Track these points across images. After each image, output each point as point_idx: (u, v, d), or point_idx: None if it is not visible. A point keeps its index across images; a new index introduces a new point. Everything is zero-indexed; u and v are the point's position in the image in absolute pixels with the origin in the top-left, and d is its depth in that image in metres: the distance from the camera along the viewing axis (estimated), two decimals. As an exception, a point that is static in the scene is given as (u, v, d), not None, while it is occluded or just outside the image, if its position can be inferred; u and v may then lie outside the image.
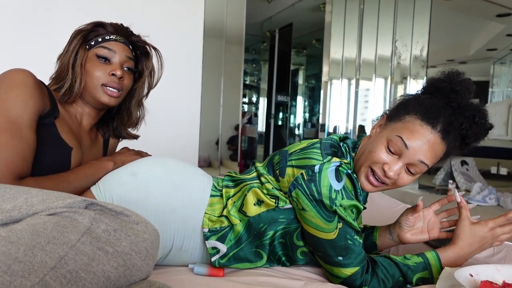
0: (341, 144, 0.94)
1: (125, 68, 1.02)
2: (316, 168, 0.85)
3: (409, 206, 1.47)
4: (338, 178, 0.85)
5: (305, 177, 0.85)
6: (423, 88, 0.94)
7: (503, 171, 3.51)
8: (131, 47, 1.05)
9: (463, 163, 3.40)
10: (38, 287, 0.48)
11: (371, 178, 0.89)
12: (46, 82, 1.00)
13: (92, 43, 0.99)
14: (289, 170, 0.89)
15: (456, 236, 0.92)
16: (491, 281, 0.74)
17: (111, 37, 1.00)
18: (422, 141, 0.84)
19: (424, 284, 0.89)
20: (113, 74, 0.98)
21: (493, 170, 3.57)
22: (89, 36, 1.00)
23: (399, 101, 0.94)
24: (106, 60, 0.99)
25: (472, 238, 0.91)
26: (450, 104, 0.87)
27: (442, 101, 0.87)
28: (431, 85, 0.92)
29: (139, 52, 1.10)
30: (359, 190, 0.90)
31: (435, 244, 1.19)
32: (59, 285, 0.50)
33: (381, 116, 0.98)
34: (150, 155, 1.10)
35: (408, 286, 0.89)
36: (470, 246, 0.91)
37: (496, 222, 0.91)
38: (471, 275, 0.77)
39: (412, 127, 0.85)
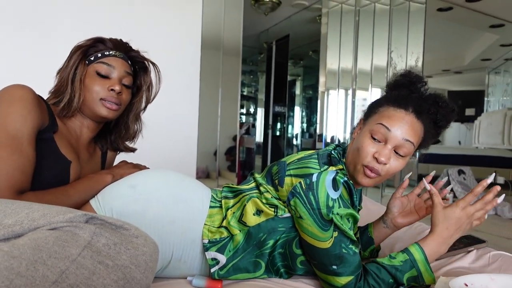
0: (333, 152, 0.98)
1: (124, 83, 1.04)
2: (314, 177, 0.87)
3: None
4: (335, 187, 0.87)
5: (303, 186, 0.87)
6: (386, 90, 1.03)
7: (500, 179, 3.52)
8: (130, 62, 1.07)
9: (460, 172, 3.41)
10: None
11: (368, 172, 0.92)
12: (45, 96, 1.01)
13: (92, 58, 1.00)
14: (287, 180, 0.91)
15: (432, 224, 0.93)
16: (486, 290, 0.75)
17: (110, 52, 1.02)
18: (402, 122, 0.91)
19: (415, 281, 0.89)
20: (112, 90, 1.00)
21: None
22: (88, 51, 1.01)
23: (370, 104, 1.02)
24: (105, 75, 1.00)
25: (447, 221, 0.91)
26: (412, 94, 0.95)
27: (405, 91, 0.96)
28: (392, 84, 1.01)
29: (138, 67, 1.11)
30: (355, 197, 0.92)
31: None
32: None
33: (357, 123, 1.05)
34: (148, 168, 1.11)
35: (401, 287, 0.90)
36: (447, 230, 0.91)
37: (465, 201, 0.91)
38: (466, 285, 0.78)
39: (388, 113, 0.93)
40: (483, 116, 4.28)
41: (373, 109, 0.97)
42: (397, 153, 0.92)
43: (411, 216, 1.09)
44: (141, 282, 0.61)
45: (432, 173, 1.06)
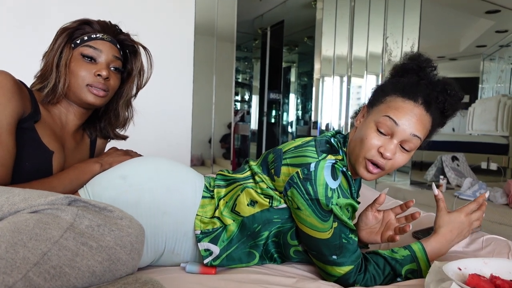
0: (332, 140, 0.93)
1: (112, 68, 0.99)
2: (312, 166, 0.84)
3: (401, 202, 1.47)
4: (334, 176, 0.84)
5: (300, 176, 0.84)
6: (392, 73, 0.97)
7: (493, 166, 3.55)
8: (118, 46, 1.02)
9: (454, 158, 3.43)
10: (21, 283, 0.48)
11: (370, 167, 0.88)
12: (31, 81, 0.97)
13: (78, 41, 0.96)
14: (284, 169, 0.87)
15: (437, 226, 0.94)
16: (479, 274, 0.74)
17: (97, 35, 0.97)
18: (410, 115, 0.86)
19: (412, 275, 0.90)
20: (98, 75, 0.95)
21: (483, 165, 3.61)
22: (74, 34, 0.97)
23: (375, 89, 0.97)
24: (91, 59, 0.96)
25: (451, 224, 0.93)
26: (421, 81, 0.90)
27: (413, 79, 0.90)
28: (399, 69, 0.95)
29: (128, 51, 1.06)
30: (353, 188, 0.90)
31: (419, 236, 1.19)
32: (43, 281, 0.50)
33: (360, 107, 0.99)
34: (139, 155, 1.08)
35: (398, 279, 0.90)
36: (451, 233, 0.93)
37: (469, 208, 0.95)
38: (460, 269, 0.77)
39: (396, 104, 0.87)
40: (477, 102, 4.28)
41: (379, 97, 0.92)
42: (402, 147, 0.88)
43: (374, 236, 1.01)
44: (127, 264, 0.60)
45: (435, 190, 0.98)
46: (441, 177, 3.11)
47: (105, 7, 2.43)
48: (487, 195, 0.97)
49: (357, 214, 1.07)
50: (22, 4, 2.23)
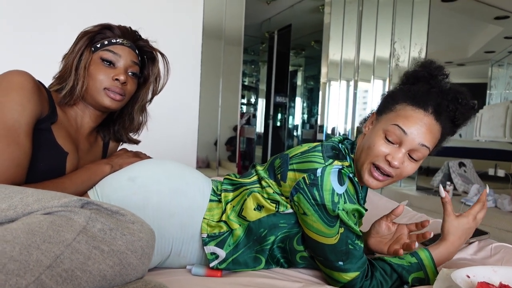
0: (340, 146, 0.93)
1: (130, 73, 1.00)
2: (318, 171, 0.83)
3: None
4: (341, 181, 0.83)
5: (307, 181, 0.84)
6: (403, 80, 0.96)
7: (501, 172, 3.51)
8: (137, 52, 1.03)
9: (461, 164, 3.40)
10: (34, 286, 0.48)
11: (375, 174, 0.88)
12: (48, 82, 0.98)
13: (98, 45, 0.97)
14: (290, 174, 0.87)
15: (446, 232, 0.93)
16: (488, 282, 0.74)
17: (117, 40, 0.98)
18: (419, 125, 0.85)
19: (420, 283, 0.89)
20: (116, 79, 0.96)
21: (491, 171, 3.58)
22: (95, 38, 0.98)
23: (385, 96, 0.96)
24: (110, 63, 0.97)
25: (460, 231, 0.92)
26: (432, 89, 0.88)
27: (424, 87, 0.89)
28: (410, 76, 0.94)
29: (146, 57, 1.08)
30: (360, 194, 0.89)
31: (426, 243, 1.18)
32: (55, 284, 0.50)
33: (369, 114, 0.98)
34: (149, 157, 1.08)
35: (405, 286, 0.89)
36: (459, 240, 0.92)
37: (475, 210, 0.93)
38: (468, 276, 0.77)
39: (405, 113, 0.86)
40: (485, 109, 4.25)
41: (388, 105, 0.91)
42: (410, 156, 0.87)
43: (382, 246, 1.00)
44: (137, 268, 0.60)
45: (442, 192, 0.95)
46: (448, 183, 3.08)
47: (112, 8, 2.45)
48: (487, 191, 0.96)
49: (370, 221, 1.07)
50: (41, 8, 2.26)
